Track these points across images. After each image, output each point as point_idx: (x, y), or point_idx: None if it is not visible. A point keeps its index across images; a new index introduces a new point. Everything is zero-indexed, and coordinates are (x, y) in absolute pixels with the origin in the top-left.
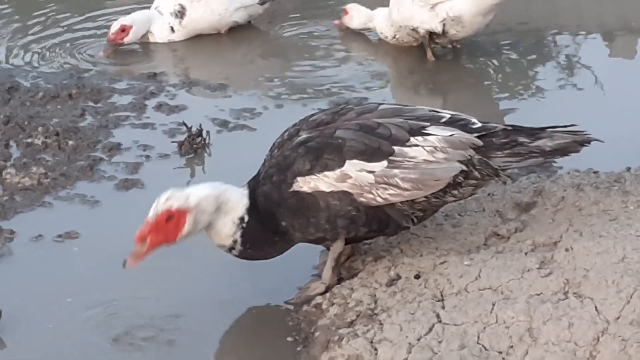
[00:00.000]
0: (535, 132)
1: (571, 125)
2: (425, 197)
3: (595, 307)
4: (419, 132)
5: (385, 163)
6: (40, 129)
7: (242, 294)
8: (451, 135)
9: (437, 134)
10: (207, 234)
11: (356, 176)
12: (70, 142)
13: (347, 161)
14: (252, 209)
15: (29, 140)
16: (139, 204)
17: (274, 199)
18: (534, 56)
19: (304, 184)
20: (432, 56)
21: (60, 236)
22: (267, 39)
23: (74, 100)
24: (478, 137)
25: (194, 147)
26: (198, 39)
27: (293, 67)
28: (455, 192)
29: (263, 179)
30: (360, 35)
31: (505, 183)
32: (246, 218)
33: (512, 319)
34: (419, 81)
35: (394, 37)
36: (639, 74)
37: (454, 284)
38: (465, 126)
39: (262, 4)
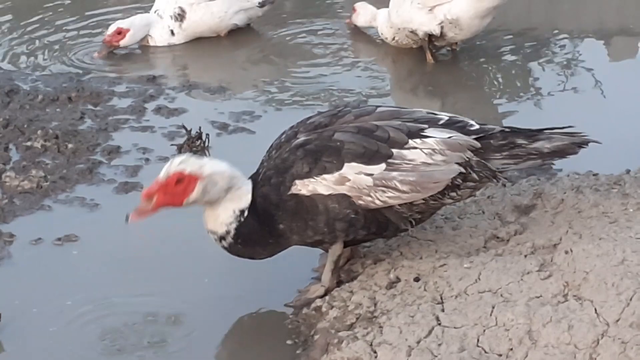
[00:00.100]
0: (533, 134)
1: (569, 127)
2: (423, 199)
3: (595, 310)
4: (417, 134)
5: (383, 166)
6: (39, 132)
7: (242, 297)
8: (449, 137)
9: (436, 136)
10: (204, 215)
11: (355, 179)
12: (70, 145)
13: (346, 164)
14: (252, 206)
15: (29, 143)
16: None
17: (273, 201)
18: (533, 58)
19: (303, 187)
20: (431, 58)
21: (59, 239)
22: (266, 42)
23: (74, 104)
24: (476, 139)
25: (193, 150)
26: (198, 42)
27: (292, 70)
28: (453, 194)
29: (262, 180)
30: (360, 36)
31: (504, 185)
32: (246, 213)
33: (511, 322)
34: (417, 83)
35: (393, 39)
36: (638, 76)
37: (453, 286)
38: (463, 128)
39: (261, 6)
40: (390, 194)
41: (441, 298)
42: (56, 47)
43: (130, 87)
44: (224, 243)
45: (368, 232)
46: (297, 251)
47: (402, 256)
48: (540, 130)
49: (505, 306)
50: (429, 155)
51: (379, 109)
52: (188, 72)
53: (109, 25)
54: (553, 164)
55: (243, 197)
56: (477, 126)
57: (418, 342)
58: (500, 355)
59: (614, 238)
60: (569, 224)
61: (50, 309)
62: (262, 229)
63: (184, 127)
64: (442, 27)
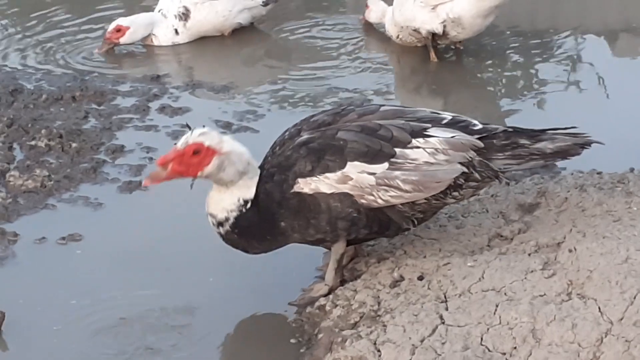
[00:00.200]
0: (536, 134)
1: (572, 128)
2: (425, 198)
3: (599, 308)
4: (420, 133)
5: (386, 165)
6: (43, 131)
7: (245, 296)
8: (452, 136)
9: (439, 136)
10: (208, 196)
11: (357, 178)
12: (74, 145)
13: (349, 163)
14: (255, 200)
15: (33, 142)
16: (143, 206)
17: (275, 198)
18: (537, 57)
19: (305, 186)
20: (434, 57)
21: (63, 238)
22: (270, 41)
23: (78, 103)
24: (479, 138)
25: None
26: (201, 41)
27: (296, 69)
28: (455, 193)
29: (265, 176)
30: (364, 34)
31: (508, 184)
32: (249, 205)
33: (515, 320)
34: (421, 82)
35: (397, 37)
36: None
37: (457, 285)
38: (466, 128)
39: (265, 5)
40: (392, 193)
41: (445, 297)
42: (60, 46)
43: (134, 86)
44: (221, 230)
45: (370, 231)
46: (301, 250)
47: (406, 255)
48: (544, 131)
49: (509, 305)
50: (432, 154)
51: (382, 108)
52: (192, 71)
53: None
54: (556, 164)
55: (250, 188)
56: (480, 126)
57: (422, 341)
58: (504, 353)
59: (618, 236)
60: (572, 222)
61: (54, 308)
62: (261, 224)
63: (187, 126)
64: (444, 26)
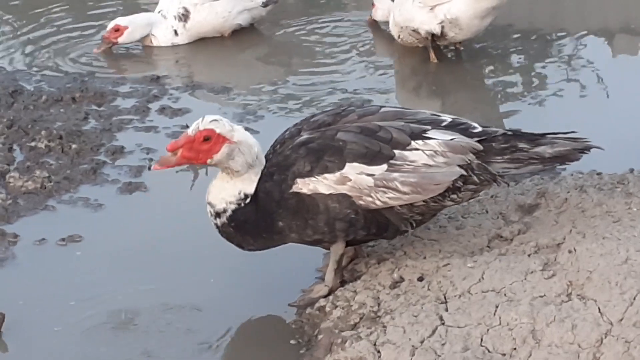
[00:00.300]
0: (535, 138)
1: (572, 132)
2: (424, 201)
3: (599, 309)
4: (419, 135)
5: (385, 166)
6: (43, 132)
7: (246, 297)
8: (452, 139)
9: (438, 138)
10: (210, 185)
11: (356, 179)
12: (74, 146)
13: (348, 164)
14: (255, 196)
15: (33, 144)
16: (143, 207)
17: (274, 197)
18: (537, 58)
19: (304, 186)
20: (434, 58)
21: (63, 240)
22: (269, 42)
23: (78, 104)
24: (478, 141)
25: None
26: (201, 42)
27: (296, 70)
28: (454, 196)
29: (265, 175)
30: (366, 34)
31: (508, 185)
32: (248, 200)
33: (515, 321)
34: (421, 82)
35: (398, 37)
36: None
37: (457, 286)
38: (465, 130)
39: (264, 6)
40: (390, 195)
41: (445, 298)
42: (60, 47)
43: (134, 88)
44: (217, 221)
45: (368, 233)
46: (301, 251)
47: (405, 256)
48: (543, 135)
49: (508, 306)
50: (431, 156)
51: (382, 109)
52: (192, 72)
53: None
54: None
55: (253, 183)
56: (480, 129)
57: (422, 342)
58: (504, 354)
59: (618, 237)
60: (572, 223)
61: (54, 309)
62: (258, 222)
63: (187, 127)
64: (442, 27)
